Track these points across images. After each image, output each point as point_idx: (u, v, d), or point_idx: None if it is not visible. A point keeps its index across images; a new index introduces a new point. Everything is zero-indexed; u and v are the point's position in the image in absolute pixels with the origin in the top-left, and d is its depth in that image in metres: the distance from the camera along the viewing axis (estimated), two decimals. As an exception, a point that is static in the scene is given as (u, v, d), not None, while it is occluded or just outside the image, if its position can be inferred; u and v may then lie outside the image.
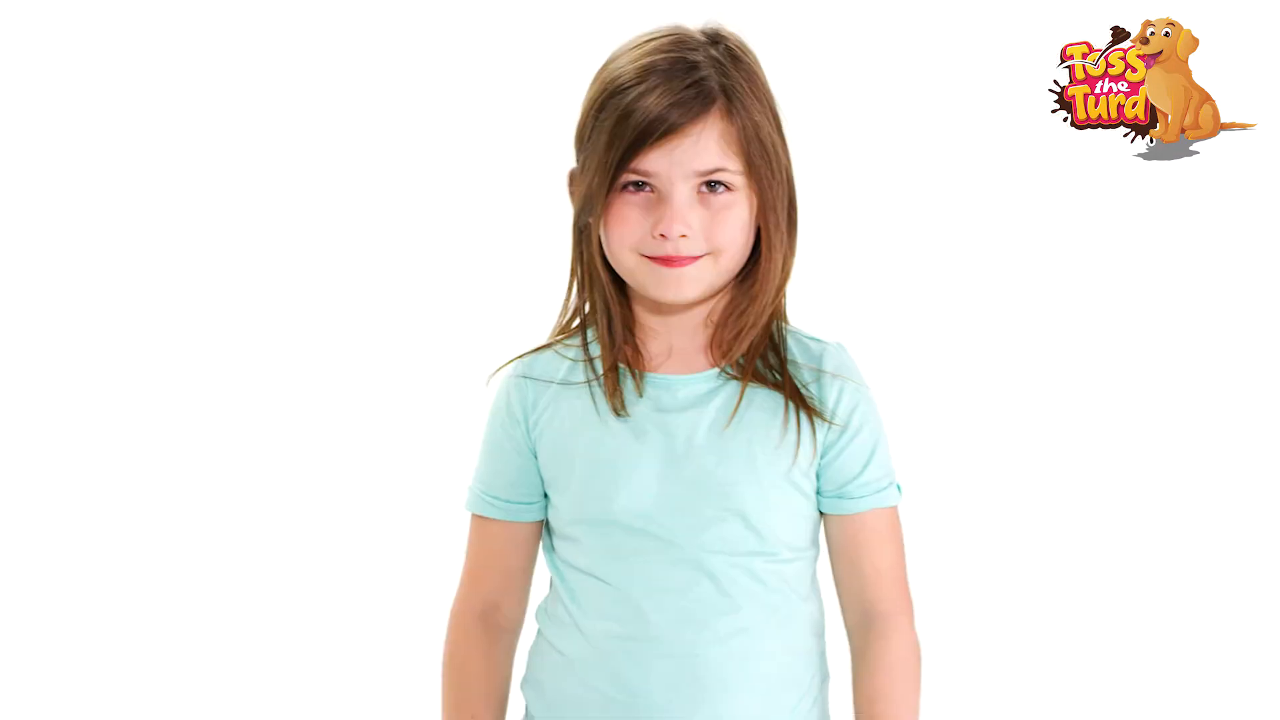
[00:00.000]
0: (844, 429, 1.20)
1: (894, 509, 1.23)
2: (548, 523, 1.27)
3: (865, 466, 1.21)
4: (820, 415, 1.19)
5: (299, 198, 3.40)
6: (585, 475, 1.20)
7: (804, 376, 1.21)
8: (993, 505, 2.58)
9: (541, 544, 1.28)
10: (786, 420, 1.18)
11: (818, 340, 1.25)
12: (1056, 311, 3.41)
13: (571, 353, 1.24)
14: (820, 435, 1.19)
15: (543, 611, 1.29)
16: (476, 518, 1.28)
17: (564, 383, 1.22)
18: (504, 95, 3.32)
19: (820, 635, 1.28)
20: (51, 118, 3.22)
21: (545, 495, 1.26)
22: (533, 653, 1.29)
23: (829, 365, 1.22)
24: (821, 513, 1.23)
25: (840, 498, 1.21)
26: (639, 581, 1.19)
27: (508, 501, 1.26)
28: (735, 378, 1.19)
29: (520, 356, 1.27)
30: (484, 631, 1.27)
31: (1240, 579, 2.31)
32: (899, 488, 1.24)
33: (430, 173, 3.45)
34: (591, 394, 1.20)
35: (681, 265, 1.15)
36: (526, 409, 1.24)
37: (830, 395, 1.21)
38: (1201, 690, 2.30)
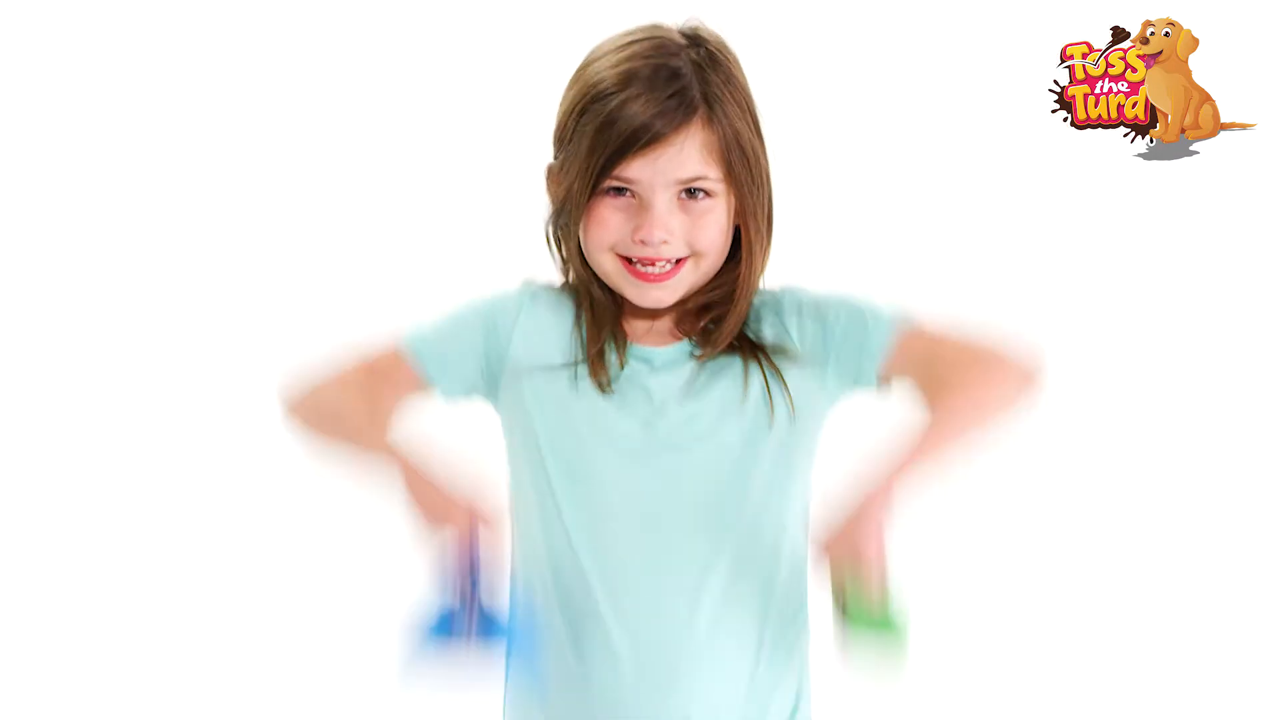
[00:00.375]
0: (821, 350, 1.21)
1: (913, 327, 1.21)
2: (521, 517, 1.24)
3: (864, 344, 1.20)
4: (787, 355, 1.20)
5: (281, 196, 3.40)
6: (570, 447, 1.19)
7: (765, 334, 1.22)
8: (990, 507, 2.57)
9: (519, 537, 1.26)
10: (748, 384, 1.18)
11: (771, 293, 1.25)
12: (1056, 311, 3.41)
13: (571, 314, 1.23)
14: (795, 381, 1.20)
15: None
16: (398, 353, 1.22)
17: (547, 368, 1.21)
18: (483, 90, 3.32)
19: (803, 622, 1.26)
20: (43, 118, 3.23)
21: (467, 386, 1.23)
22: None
23: (784, 308, 1.23)
24: (879, 386, 1.22)
25: (863, 369, 1.21)
26: (616, 569, 1.18)
27: (440, 364, 1.22)
28: (705, 348, 1.20)
29: (545, 286, 1.25)
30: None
31: (1237, 576, 2.31)
32: (898, 316, 1.22)
33: (410, 171, 3.45)
34: (576, 372, 1.21)
35: (661, 280, 1.17)
36: (511, 333, 1.22)
37: (793, 332, 1.22)
38: (1195, 689, 2.31)
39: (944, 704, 2.30)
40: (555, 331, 1.22)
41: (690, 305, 1.21)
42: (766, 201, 1.21)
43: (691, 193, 1.16)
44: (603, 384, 1.19)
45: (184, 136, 3.12)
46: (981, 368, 1.18)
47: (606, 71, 1.15)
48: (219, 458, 2.85)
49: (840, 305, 1.23)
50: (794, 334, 1.22)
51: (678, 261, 1.18)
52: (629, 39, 1.17)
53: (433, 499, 1.09)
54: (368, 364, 1.22)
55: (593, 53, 1.18)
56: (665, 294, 1.18)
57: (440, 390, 1.23)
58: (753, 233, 1.20)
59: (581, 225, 1.17)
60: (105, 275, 3.18)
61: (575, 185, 1.15)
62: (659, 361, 1.20)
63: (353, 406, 1.19)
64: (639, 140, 1.12)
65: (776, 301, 1.24)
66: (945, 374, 1.18)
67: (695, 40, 1.18)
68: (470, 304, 1.25)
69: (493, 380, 1.22)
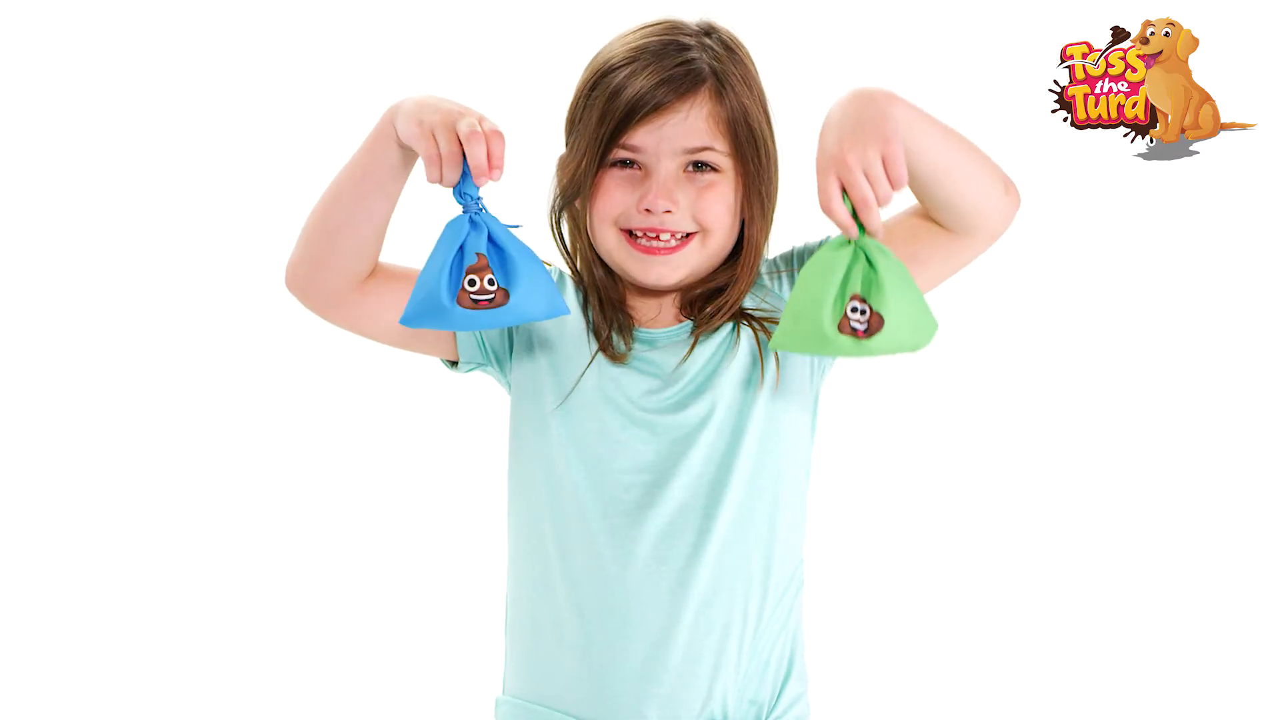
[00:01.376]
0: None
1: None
2: (525, 482, 1.25)
3: None
4: (776, 319, 1.22)
5: (287, 194, 3.39)
6: (578, 411, 1.21)
7: (750, 304, 1.24)
8: (990, 506, 2.57)
9: (518, 518, 1.27)
10: (737, 344, 1.21)
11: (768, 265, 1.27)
12: (1056, 311, 3.41)
13: (581, 298, 1.25)
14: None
15: (513, 587, 1.28)
16: None
17: (559, 340, 1.23)
18: (492, 93, 3.30)
19: (798, 584, 1.27)
20: (48, 118, 3.22)
21: (485, 351, 1.25)
22: (509, 634, 1.29)
23: (763, 276, 1.26)
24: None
25: None
26: (620, 524, 1.20)
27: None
28: (702, 326, 1.22)
29: (561, 273, 1.27)
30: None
31: (1236, 577, 2.31)
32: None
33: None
34: (588, 348, 1.22)
35: (665, 254, 1.18)
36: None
37: (781, 291, 1.25)
38: (1195, 687, 2.30)
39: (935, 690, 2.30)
40: (571, 311, 1.24)
41: (696, 291, 1.22)
42: (774, 191, 1.23)
43: (698, 166, 1.17)
44: (614, 358, 1.21)
45: (188, 136, 3.12)
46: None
47: (618, 50, 1.17)
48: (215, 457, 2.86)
49: (809, 249, 1.27)
50: (783, 293, 1.25)
51: (685, 238, 1.18)
52: (642, 25, 1.20)
53: (447, 104, 1.06)
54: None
55: (606, 44, 1.21)
56: (668, 270, 1.19)
57: (461, 349, 1.24)
58: (757, 215, 1.21)
59: (589, 200, 1.18)
60: (106, 273, 3.17)
61: (584, 160, 1.15)
62: (662, 341, 1.22)
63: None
64: (645, 106, 1.13)
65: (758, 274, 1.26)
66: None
67: (709, 30, 1.21)
68: None
69: (507, 347, 1.25)
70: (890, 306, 1.05)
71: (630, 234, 1.18)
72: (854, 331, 1.04)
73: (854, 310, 1.05)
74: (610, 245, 1.20)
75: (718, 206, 1.18)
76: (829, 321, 1.04)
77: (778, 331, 1.08)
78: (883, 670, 2.27)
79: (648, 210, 1.16)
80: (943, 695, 2.27)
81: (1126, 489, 2.63)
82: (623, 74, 1.14)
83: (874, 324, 1.05)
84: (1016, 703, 2.30)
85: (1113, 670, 2.32)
